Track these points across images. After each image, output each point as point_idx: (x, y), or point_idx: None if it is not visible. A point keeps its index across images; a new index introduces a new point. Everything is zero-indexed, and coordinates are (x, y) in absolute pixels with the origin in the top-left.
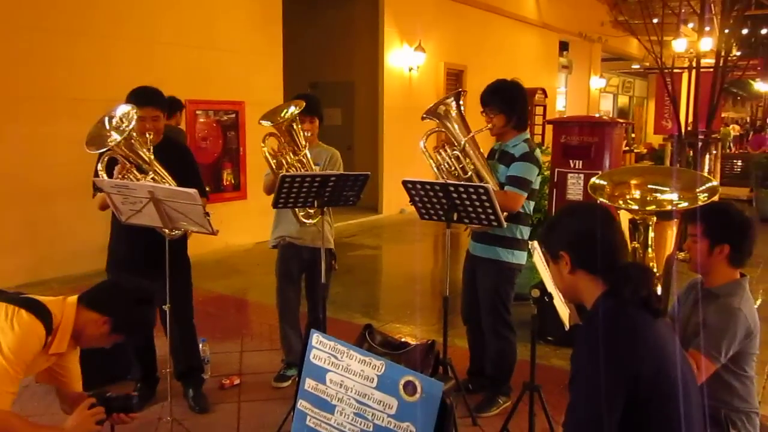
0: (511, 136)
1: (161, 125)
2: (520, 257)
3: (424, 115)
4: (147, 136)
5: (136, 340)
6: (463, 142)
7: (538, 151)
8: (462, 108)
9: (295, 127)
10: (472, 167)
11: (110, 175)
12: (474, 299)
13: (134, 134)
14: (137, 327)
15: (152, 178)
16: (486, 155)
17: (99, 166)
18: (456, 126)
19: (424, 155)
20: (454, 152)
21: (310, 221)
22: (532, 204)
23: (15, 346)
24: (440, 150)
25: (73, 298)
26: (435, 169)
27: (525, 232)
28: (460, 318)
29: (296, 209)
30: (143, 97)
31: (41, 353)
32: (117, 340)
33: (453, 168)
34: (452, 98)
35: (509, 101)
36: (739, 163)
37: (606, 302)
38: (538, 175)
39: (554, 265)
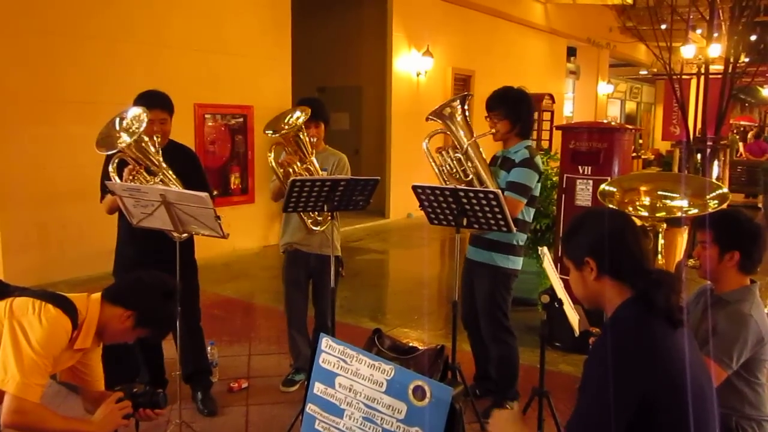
0: (514, 142)
1: (168, 128)
2: (516, 263)
3: (429, 116)
4: (155, 138)
5: (158, 335)
6: (465, 146)
7: (538, 158)
8: (467, 112)
9: (301, 136)
10: (473, 171)
11: (120, 176)
12: (472, 304)
13: (144, 137)
14: (160, 320)
15: (161, 180)
16: (489, 161)
17: (110, 168)
18: (460, 129)
19: (426, 156)
20: (456, 155)
21: (318, 228)
22: (532, 211)
23: (43, 340)
24: (442, 152)
25: (96, 295)
26: (436, 171)
27: (522, 238)
28: None
29: (304, 217)
30: (151, 100)
31: (67, 348)
32: (140, 334)
33: (455, 170)
34: (458, 101)
35: (514, 108)
36: (743, 169)
37: (627, 310)
38: (537, 181)
39: (577, 271)
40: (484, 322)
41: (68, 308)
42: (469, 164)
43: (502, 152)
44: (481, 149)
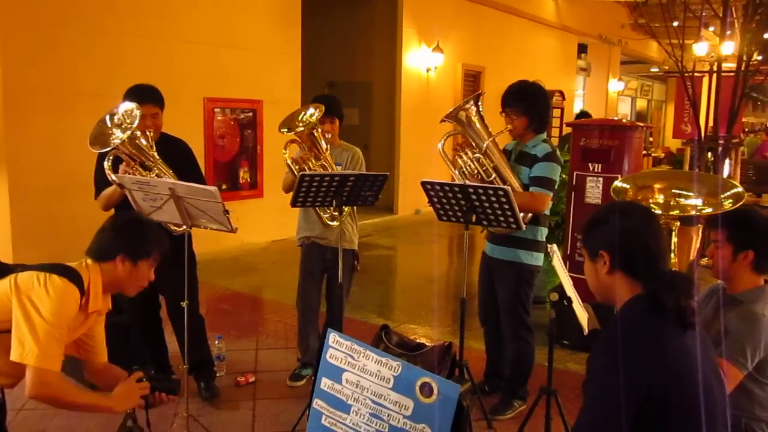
0: (530, 137)
1: (160, 122)
2: (538, 259)
3: (444, 119)
4: (147, 133)
5: (160, 253)
6: (484, 146)
7: (558, 152)
8: (481, 110)
9: (315, 133)
10: (494, 169)
11: (115, 173)
12: (491, 301)
13: (137, 132)
14: (148, 243)
15: (156, 175)
16: None
17: (106, 165)
18: (477, 129)
19: (442, 159)
20: (476, 155)
21: (334, 223)
22: (550, 204)
23: (54, 310)
24: (461, 153)
25: (89, 260)
26: (456, 173)
27: (544, 233)
28: (476, 320)
29: (320, 212)
30: (142, 94)
31: (79, 314)
32: (148, 267)
33: (476, 171)
34: (471, 102)
35: (532, 103)
36: (754, 168)
37: (635, 306)
38: (560, 174)
39: (591, 263)
40: (506, 319)
41: (73, 276)
42: (489, 163)
43: (515, 146)
44: (498, 146)
